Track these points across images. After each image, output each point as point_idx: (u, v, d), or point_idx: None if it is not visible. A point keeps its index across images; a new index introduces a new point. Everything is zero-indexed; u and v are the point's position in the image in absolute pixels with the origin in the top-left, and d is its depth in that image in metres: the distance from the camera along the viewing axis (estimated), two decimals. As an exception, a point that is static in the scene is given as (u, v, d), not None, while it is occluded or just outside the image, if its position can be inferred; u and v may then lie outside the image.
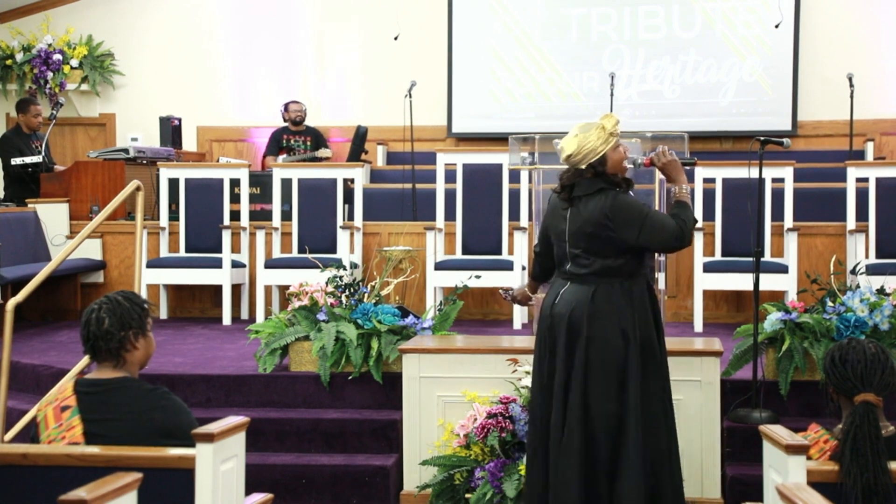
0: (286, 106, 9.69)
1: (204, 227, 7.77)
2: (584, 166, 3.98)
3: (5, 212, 7.97)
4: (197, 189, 7.87)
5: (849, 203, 7.17)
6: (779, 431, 3.13)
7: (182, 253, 7.83)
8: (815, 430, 3.21)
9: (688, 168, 4.18)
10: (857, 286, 5.33)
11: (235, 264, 7.73)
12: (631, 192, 4.05)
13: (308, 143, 9.66)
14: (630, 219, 3.95)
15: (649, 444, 3.89)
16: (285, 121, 9.71)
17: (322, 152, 9.46)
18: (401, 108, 9.16)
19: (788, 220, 7.15)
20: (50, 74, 10.68)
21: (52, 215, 8.18)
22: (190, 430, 3.01)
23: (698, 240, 7.10)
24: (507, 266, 7.15)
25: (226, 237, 7.63)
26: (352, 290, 5.72)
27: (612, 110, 9.36)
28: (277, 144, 9.66)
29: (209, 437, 2.96)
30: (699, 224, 7.15)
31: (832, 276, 5.50)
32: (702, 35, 10.17)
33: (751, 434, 4.82)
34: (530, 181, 6.99)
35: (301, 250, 7.38)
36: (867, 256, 6.94)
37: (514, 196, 7.38)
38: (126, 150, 8.71)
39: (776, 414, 5.09)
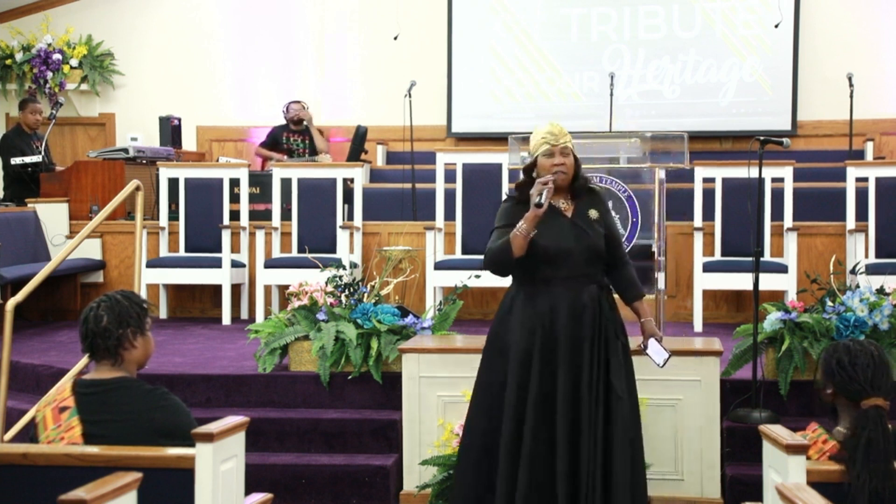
0: (287, 106, 9.68)
1: (204, 227, 7.77)
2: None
3: (5, 212, 7.97)
4: (197, 189, 7.87)
5: (848, 203, 7.17)
6: (779, 431, 3.13)
7: (182, 253, 7.83)
8: (813, 430, 3.18)
9: (535, 205, 3.99)
10: (857, 286, 5.33)
11: (235, 264, 7.72)
12: (529, 202, 4.00)
13: (308, 143, 9.66)
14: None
15: None
16: (286, 120, 9.70)
17: (322, 158, 9.44)
18: (401, 108, 9.16)
19: (788, 220, 7.15)
20: (50, 74, 10.69)
21: (52, 215, 8.18)
22: (189, 429, 3.01)
23: (698, 240, 7.11)
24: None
25: (225, 237, 7.63)
26: (351, 289, 5.71)
27: (611, 110, 9.37)
28: (274, 141, 9.65)
29: (209, 437, 2.96)
30: (698, 224, 7.20)
31: (832, 276, 5.50)
32: (702, 35, 10.17)
33: (751, 434, 4.82)
34: (530, 181, 6.98)
35: (301, 250, 7.38)
36: (867, 256, 6.94)
37: (514, 196, 7.37)
38: (126, 150, 8.72)
39: (776, 414, 5.09)
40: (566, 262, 4.03)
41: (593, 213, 4.12)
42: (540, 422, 3.97)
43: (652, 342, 4.27)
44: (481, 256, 7.04)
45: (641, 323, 4.26)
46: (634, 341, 4.29)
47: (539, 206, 3.93)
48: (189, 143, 10.51)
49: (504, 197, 4.24)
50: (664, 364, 4.29)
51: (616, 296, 4.25)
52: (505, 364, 4.07)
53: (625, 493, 3.93)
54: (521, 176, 4.22)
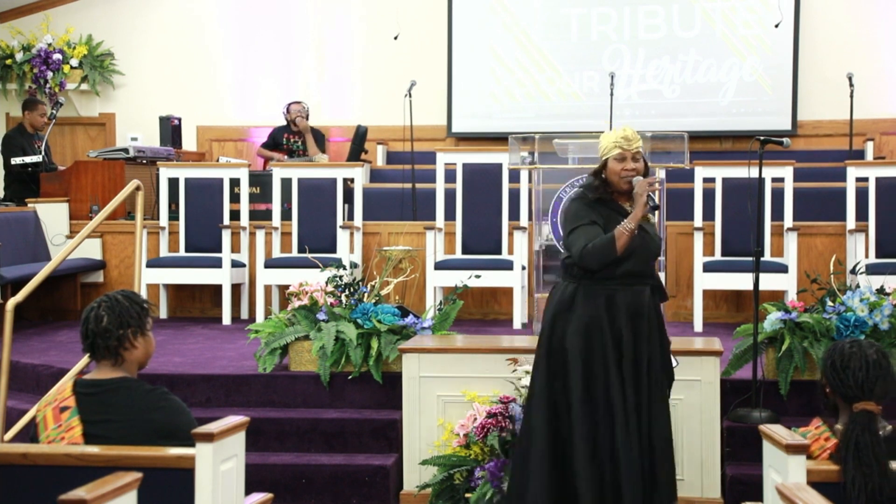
0: (288, 107, 9.68)
1: (204, 227, 7.77)
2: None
3: (5, 212, 7.97)
4: (197, 189, 7.87)
5: (849, 203, 7.17)
6: (779, 431, 3.13)
7: (182, 253, 7.83)
8: (816, 426, 3.20)
9: (651, 207, 4.09)
10: (857, 286, 5.33)
11: (235, 264, 7.72)
12: (592, 205, 4.11)
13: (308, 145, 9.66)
14: (563, 224, 4.27)
15: None
16: (287, 121, 9.70)
17: (319, 158, 9.44)
18: (401, 108, 9.15)
19: (788, 220, 7.14)
20: (50, 74, 10.68)
21: (52, 215, 8.18)
22: (189, 430, 3.01)
23: (698, 240, 7.11)
24: (507, 266, 7.15)
25: (225, 237, 7.63)
26: (352, 289, 5.71)
27: (612, 110, 9.37)
28: (274, 142, 9.66)
29: (209, 437, 2.96)
30: (698, 224, 7.20)
31: (832, 276, 5.50)
32: (702, 35, 10.17)
33: (751, 434, 4.82)
34: (530, 181, 6.99)
35: (301, 250, 7.38)
36: (867, 256, 6.94)
37: (514, 196, 7.38)
38: (126, 150, 8.71)
39: (776, 414, 5.09)
40: (628, 262, 4.09)
41: (652, 218, 4.23)
42: (605, 422, 4.04)
43: None
44: (482, 257, 7.18)
45: None
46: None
47: (656, 207, 4.07)
48: (189, 143, 10.50)
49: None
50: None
51: None
52: (564, 360, 4.09)
53: (669, 490, 4.05)
54: (591, 178, 4.23)
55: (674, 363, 4.33)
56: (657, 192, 4.10)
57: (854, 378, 3.13)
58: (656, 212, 4.22)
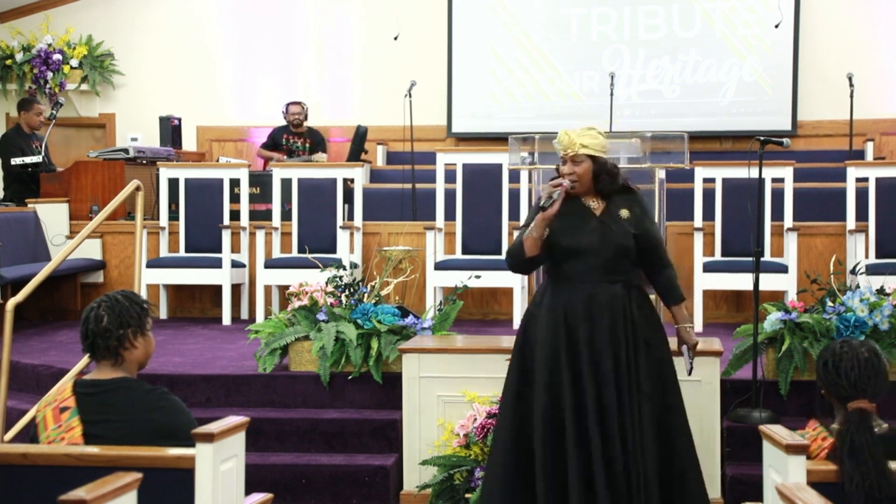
0: (287, 107, 9.69)
1: (204, 227, 7.77)
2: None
3: (5, 212, 7.97)
4: (197, 189, 7.87)
5: (849, 203, 7.17)
6: (779, 431, 3.14)
7: (182, 253, 7.83)
8: (813, 427, 3.22)
9: (538, 207, 4.02)
10: (857, 286, 5.33)
11: (235, 264, 7.72)
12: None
13: (307, 146, 9.66)
14: None
15: None
16: (286, 121, 9.71)
17: (318, 157, 9.45)
18: (401, 108, 9.15)
19: (788, 220, 7.14)
20: (50, 74, 10.69)
21: (52, 215, 8.18)
22: (189, 430, 3.01)
23: (698, 240, 7.11)
24: (503, 265, 7.13)
25: (225, 237, 7.63)
26: (352, 289, 5.71)
27: (611, 110, 9.38)
28: (274, 142, 9.67)
29: (209, 437, 2.96)
30: (698, 224, 7.19)
31: (832, 276, 5.50)
32: (702, 35, 10.17)
33: (751, 434, 4.82)
34: (530, 181, 6.99)
35: (301, 250, 7.38)
36: (867, 256, 6.94)
37: (514, 196, 7.37)
38: (126, 150, 8.71)
39: (776, 414, 5.09)
40: (587, 261, 4.03)
41: (624, 213, 4.09)
42: (568, 422, 3.93)
43: (684, 349, 4.23)
44: (482, 257, 7.18)
45: (676, 329, 4.23)
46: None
47: (544, 209, 3.96)
48: (189, 143, 10.51)
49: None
50: (689, 373, 4.27)
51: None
52: (532, 359, 4.06)
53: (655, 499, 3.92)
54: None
55: (687, 367, 4.20)
56: (556, 195, 3.96)
57: (847, 377, 3.16)
58: (548, 209, 3.99)
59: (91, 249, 8.08)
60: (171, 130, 9.69)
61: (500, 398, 4.26)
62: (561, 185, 4.00)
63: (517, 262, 4.13)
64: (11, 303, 5.14)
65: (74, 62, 10.72)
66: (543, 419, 3.96)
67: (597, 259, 4.02)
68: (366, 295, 5.71)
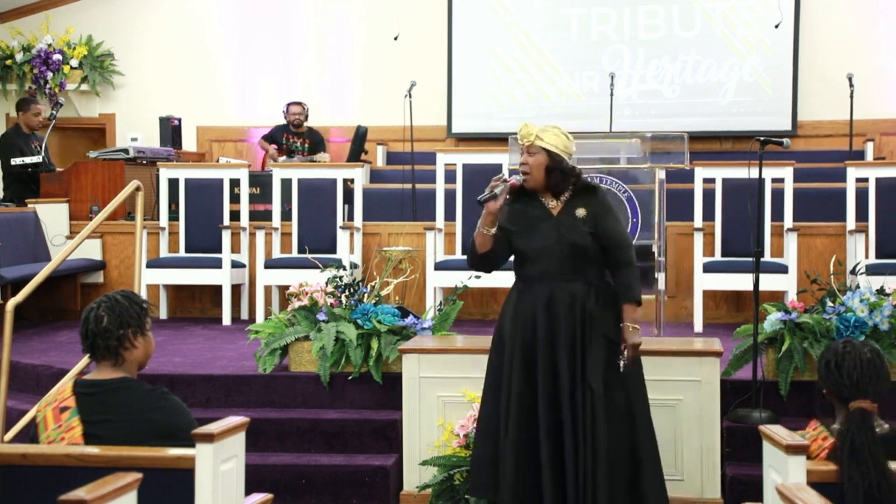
0: (287, 107, 9.69)
1: (204, 227, 7.77)
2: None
3: (5, 212, 7.97)
4: (197, 189, 7.87)
5: (849, 203, 7.17)
6: (779, 431, 3.14)
7: (182, 253, 7.83)
8: (813, 427, 3.22)
9: (478, 201, 4.07)
10: (857, 286, 5.33)
11: (235, 264, 7.72)
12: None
13: (307, 146, 9.66)
14: None
15: None
16: (286, 121, 9.71)
17: (321, 156, 9.45)
18: (400, 108, 9.15)
19: (788, 220, 7.14)
20: (50, 74, 10.69)
21: (52, 215, 8.18)
22: (189, 430, 3.01)
23: (698, 240, 7.11)
24: (508, 266, 7.12)
25: (225, 237, 7.63)
26: (352, 290, 5.71)
27: (611, 110, 9.38)
28: (273, 140, 9.68)
29: (209, 438, 2.96)
30: (698, 224, 7.20)
31: (832, 277, 5.50)
32: (702, 35, 10.18)
33: (751, 434, 4.82)
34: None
35: (301, 250, 7.38)
36: (867, 256, 6.94)
37: (514, 196, 7.36)
38: (126, 151, 8.71)
39: (776, 414, 5.09)
40: (544, 261, 4.06)
41: (580, 212, 4.08)
42: (524, 421, 4.02)
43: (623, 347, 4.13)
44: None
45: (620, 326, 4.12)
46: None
47: (479, 203, 4.05)
48: (189, 143, 10.51)
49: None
50: (621, 370, 4.09)
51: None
52: (501, 359, 4.14)
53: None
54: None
55: (621, 361, 4.04)
56: (500, 188, 4.02)
57: (849, 377, 3.16)
58: (487, 204, 4.04)
59: (91, 250, 8.08)
60: (171, 130, 9.70)
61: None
62: (505, 180, 4.05)
63: (471, 258, 4.22)
64: (11, 303, 5.14)
65: (74, 62, 10.72)
66: (505, 416, 4.05)
67: (553, 258, 4.06)
68: (366, 295, 5.71)
